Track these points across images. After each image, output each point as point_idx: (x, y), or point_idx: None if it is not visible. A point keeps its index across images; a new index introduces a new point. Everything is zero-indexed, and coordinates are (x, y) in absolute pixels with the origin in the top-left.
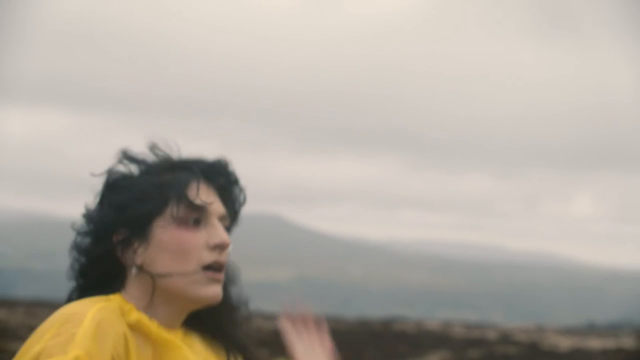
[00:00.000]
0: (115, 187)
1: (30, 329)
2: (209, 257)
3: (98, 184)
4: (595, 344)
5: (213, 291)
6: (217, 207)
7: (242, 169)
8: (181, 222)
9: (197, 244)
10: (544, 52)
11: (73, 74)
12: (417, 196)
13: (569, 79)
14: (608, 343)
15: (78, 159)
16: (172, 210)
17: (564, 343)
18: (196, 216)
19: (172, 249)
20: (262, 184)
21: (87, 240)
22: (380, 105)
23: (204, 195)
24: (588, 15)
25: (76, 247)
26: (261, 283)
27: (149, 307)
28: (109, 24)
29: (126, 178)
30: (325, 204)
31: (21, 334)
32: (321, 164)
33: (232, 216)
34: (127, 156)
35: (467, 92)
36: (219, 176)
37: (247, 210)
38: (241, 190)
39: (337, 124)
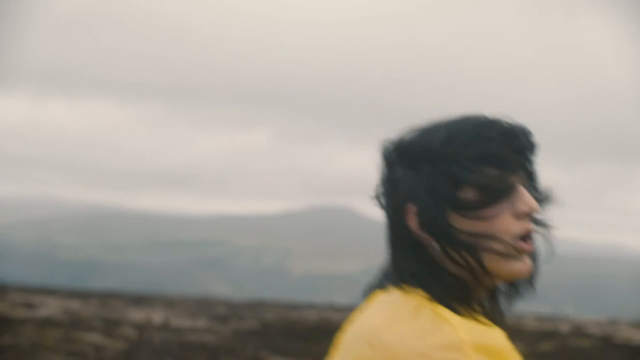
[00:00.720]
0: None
1: (104, 320)
2: (518, 227)
3: (165, 176)
4: None
5: (525, 264)
6: (521, 171)
7: (303, 160)
8: (486, 191)
9: (503, 213)
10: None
11: (118, 64)
12: None
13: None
14: None
15: (137, 152)
16: (475, 178)
17: (638, 336)
18: (500, 183)
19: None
20: (328, 176)
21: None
22: (429, 91)
23: (509, 155)
24: None
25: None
26: (332, 275)
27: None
28: (153, 14)
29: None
30: None
31: (94, 325)
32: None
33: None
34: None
35: (520, 73)
36: (520, 140)
37: (319, 203)
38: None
39: (389, 112)
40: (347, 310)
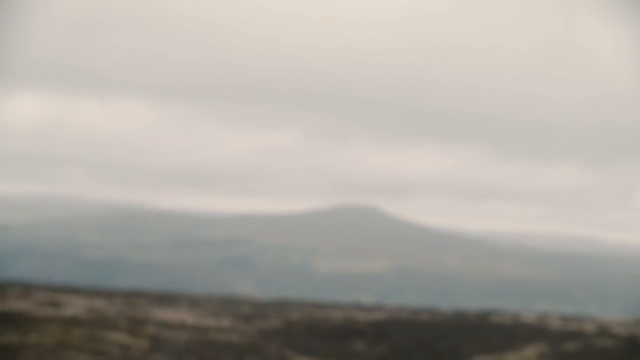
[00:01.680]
0: None
1: (128, 319)
2: None
3: (191, 176)
4: None
5: None
6: None
7: (328, 160)
8: None
9: None
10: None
11: (146, 64)
12: (505, 187)
13: None
14: None
15: (164, 151)
16: None
17: None
18: None
19: None
20: (355, 176)
21: None
22: (453, 91)
23: None
24: None
25: None
26: (358, 275)
27: None
28: (180, 15)
29: None
30: (414, 195)
31: (119, 324)
32: (405, 154)
33: None
34: None
35: (545, 70)
36: None
37: (345, 202)
38: None
39: (416, 112)
40: (372, 310)
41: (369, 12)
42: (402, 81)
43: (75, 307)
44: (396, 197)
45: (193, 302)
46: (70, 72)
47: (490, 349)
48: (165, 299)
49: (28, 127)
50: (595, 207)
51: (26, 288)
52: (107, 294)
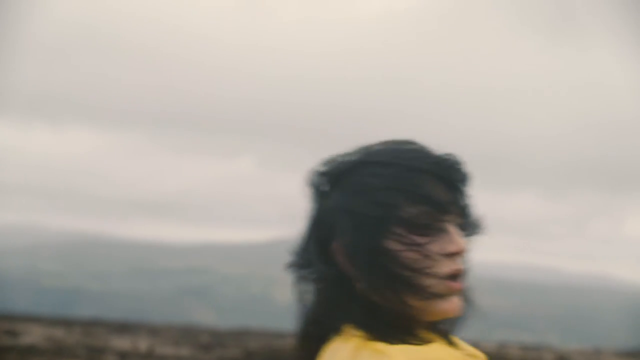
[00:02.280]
0: (348, 190)
1: (87, 348)
2: (447, 267)
3: (149, 204)
4: None
5: (453, 304)
6: (452, 208)
7: (287, 187)
8: (414, 229)
9: (433, 252)
10: (582, 58)
11: (101, 91)
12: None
13: (615, 88)
14: None
15: (119, 180)
16: (404, 214)
17: None
18: (430, 221)
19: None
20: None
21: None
22: (409, 122)
23: (440, 194)
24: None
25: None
26: None
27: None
28: (134, 42)
29: (362, 180)
30: None
31: (78, 353)
32: None
33: (465, 217)
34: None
35: (500, 106)
36: (451, 173)
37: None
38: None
39: (370, 138)
40: None
41: (325, 42)
42: (356, 111)
43: (33, 335)
44: None
45: (152, 330)
46: (23, 99)
47: None
48: (124, 327)
49: None
50: (555, 237)
51: None
52: (66, 322)
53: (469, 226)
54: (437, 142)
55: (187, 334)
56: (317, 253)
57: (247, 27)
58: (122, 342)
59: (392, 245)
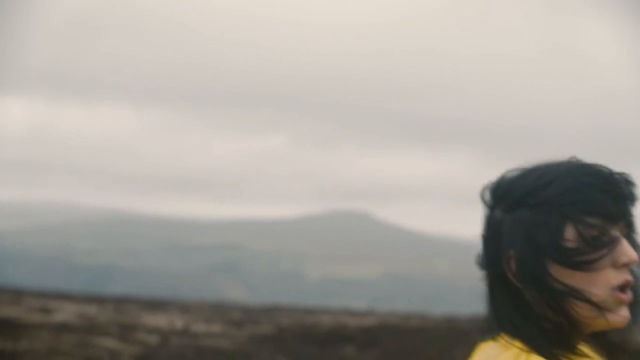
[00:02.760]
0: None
1: (119, 325)
2: (617, 278)
3: (181, 181)
4: None
5: (621, 316)
6: (622, 221)
7: (319, 165)
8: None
9: (605, 264)
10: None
11: (132, 69)
12: None
13: None
14: None
15: (151, 157)
16: (578, 226)
17: None
18: (603, 232)
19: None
20: (345, 180)
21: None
22: (442, 95)
23: (611, 207)
24: None
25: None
26: (348, 280)
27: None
28: (165, 18)
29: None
30: (404, 200)
31: (110, 330)
32: (394, 158)
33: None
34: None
35: (530, 73)
36: (622, 188)
37: (336, 207)
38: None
39: (405, 116)
40: (363, 315)
41: (357, 15)
42: (391, 85)
43: (65, 313)
44: (387, 202)
45: (184, 307)
46: (54, 76)
47: None
48: (156, 304)
49: (14, 132)
50: None
51: (17, 294)
52: (98, 299)
53: (634, 240)
54: (467, 111)
55: (219, 311)
56: (491, 258)
57: (281, 1)
58: (154, 319)
59: (563, 258)
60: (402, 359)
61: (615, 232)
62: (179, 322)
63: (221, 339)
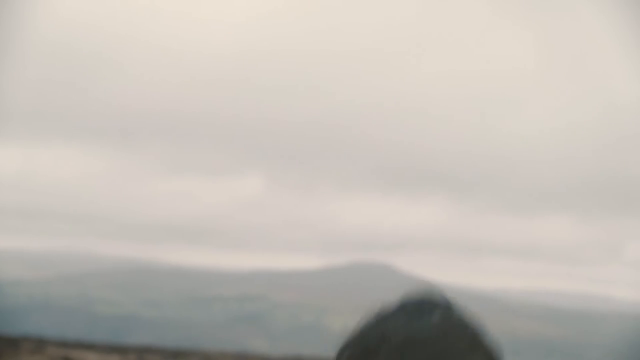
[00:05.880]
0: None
1: None
2: None
3: (194, 230)
4: None
5: None
6: None
7: (332, 213)
8: None
9: None
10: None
11: (115, 111)
12: (501, 242)
13: None
14: None
15: (158, 203)
16: None
17: None
18: None
19: None
20: (348, 232)
21: None
22: (428, 146)
23: None
24: None
25: None
26: None
27: None
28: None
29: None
30: (411, 250)
31: None
32: (386, 207)
33: None
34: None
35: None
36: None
37: (357, 259)
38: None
39: (394, 165)
40: None
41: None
42: (369, 137)
43: None
44: (398, 252)
45: (206, 357)
46: (32, 119)
47: None
48: (179, 355)
49: (10, 178)
50: (592, 263)
51: (39, 343)
52: (121, 349)
53: None
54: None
55: None
56: None
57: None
58: None
59: None
60: None
61: None
62: None
63: None
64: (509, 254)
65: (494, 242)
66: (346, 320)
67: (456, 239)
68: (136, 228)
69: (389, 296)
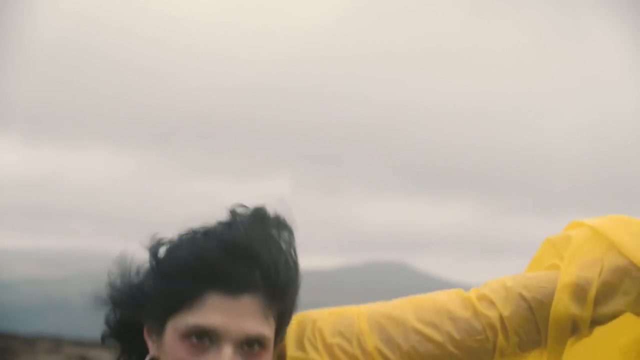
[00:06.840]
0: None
1: None
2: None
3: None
4: None
5: None
6: (232, 327)
7: (347, 213)
8: (184, 336)
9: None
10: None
11: (144, 113)
12: (524, 242)
13: None
14: None
15: (172, 201)
16: (174, 323)
17: None
18: (201, 334)
19: None
20: (368, 231)
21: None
22: (454, 146)
23: (215, 313)
24: None
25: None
26: None
27: None
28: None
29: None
30: (431, 249)
31: None
32: (405, 207)
33: (279, 308)
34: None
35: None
36: (254, 268)
37: (374, 258)
38: (289, 267)
39: (417, 166)
40: None
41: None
42: (396, 137)
43: None
44: (418, 251)
45: None
46: (60, 122)
47: None
48: None
49: (25, 179)
50: None
51: (56, 343)
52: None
53: (281, 320)
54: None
55: None
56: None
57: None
58: None
59: (167, 340)
60: None
61: (221, 339)
62: None
63: None
64: (532, 255)
65: (516, 242)
66: None
67: (479, 238)
68: (160, 228)
69: (405, 294)
